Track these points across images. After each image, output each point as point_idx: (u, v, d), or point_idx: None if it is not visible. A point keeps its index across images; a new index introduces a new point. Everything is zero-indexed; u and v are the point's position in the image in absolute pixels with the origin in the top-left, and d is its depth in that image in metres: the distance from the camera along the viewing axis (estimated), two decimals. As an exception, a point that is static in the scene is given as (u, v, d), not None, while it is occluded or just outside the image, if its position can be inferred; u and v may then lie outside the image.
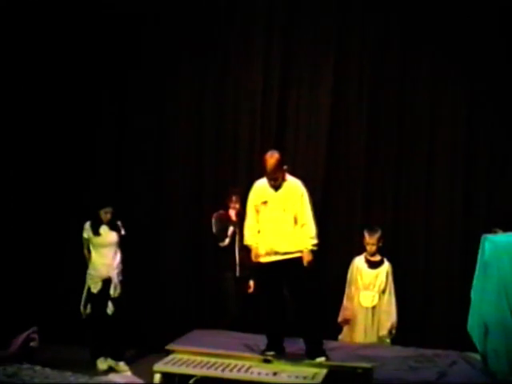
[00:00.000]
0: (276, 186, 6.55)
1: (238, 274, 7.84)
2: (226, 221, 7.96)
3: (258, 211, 6.62)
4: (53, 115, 8.86)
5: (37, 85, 8.81)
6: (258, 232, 6.62)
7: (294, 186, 6.61)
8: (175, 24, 8.71)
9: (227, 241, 7.85)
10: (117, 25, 8.70)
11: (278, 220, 6.52)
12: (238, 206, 7.88)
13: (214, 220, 8.02)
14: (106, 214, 7.64)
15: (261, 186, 6.66)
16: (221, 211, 8.05)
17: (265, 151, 6.76)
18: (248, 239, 6.70)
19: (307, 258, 6.51)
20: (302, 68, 8.48)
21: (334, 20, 8.37)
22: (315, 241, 6.55)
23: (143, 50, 8.80)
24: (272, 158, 6.50)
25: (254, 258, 6.68)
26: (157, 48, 8.75)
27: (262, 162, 6.57)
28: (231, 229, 7.85)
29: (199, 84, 8.74)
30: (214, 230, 7.99)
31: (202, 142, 8.72)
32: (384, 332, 7.55)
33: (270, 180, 6.55)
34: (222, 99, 8.67)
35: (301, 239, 6.53)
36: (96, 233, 7.66)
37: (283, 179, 6.57)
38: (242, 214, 7.79)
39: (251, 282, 7.88)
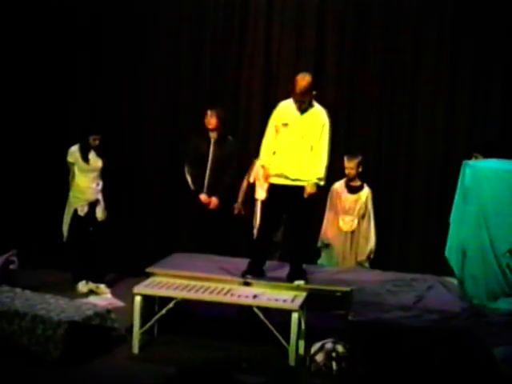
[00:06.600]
0: (302, 109, 6.34)
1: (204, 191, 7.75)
2: (202, 138, 7.81)
3: (277, 132, 6.42)
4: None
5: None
6: (274, 153, 6.44)
7: (318, 113, 6.38)
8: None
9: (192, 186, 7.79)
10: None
11: (295, 145, 6.34)
12: (213, 121, 7.69)
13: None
14: (94, 140, 7.78)
15: (286, 106, 6.44)
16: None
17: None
18: (262, 159, 6.54)
19: (309, 190, 6.33)
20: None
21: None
22: (322, 175, 6.36)
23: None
24: (303, 80, 6.29)
25: (264, 179, 6.59)
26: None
27: (293, 82, 6.34)
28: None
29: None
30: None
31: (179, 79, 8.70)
32: (363, 257, 7.61)
33: (296, 102, 6.35)
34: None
35: (311, 170, 6.36)
36: (85, 158, 7.78)
37: (310, 104, 6.37)
38: (218, 130, 7.68)
39: (214, 199, 7.73)
